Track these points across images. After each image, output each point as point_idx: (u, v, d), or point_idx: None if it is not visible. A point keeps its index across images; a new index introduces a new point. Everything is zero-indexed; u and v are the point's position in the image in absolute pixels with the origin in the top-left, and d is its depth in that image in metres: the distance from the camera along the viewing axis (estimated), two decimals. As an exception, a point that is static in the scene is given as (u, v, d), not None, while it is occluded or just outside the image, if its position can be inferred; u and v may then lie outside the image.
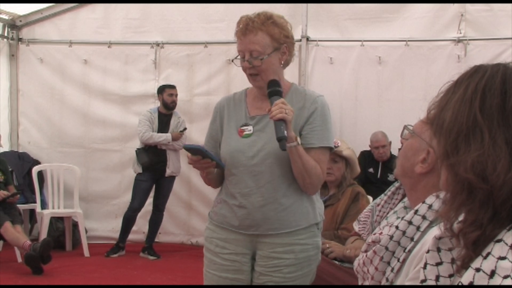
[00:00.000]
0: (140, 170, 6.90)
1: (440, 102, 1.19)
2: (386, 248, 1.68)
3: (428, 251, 1.26)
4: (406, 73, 7.03)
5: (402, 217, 1.69)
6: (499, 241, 1.05)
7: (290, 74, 6.56)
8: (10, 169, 7.03)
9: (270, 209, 2.54)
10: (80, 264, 6.53)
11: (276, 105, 2.40)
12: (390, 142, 6.73)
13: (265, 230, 2.56)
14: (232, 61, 2.66)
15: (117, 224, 7.26)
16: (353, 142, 5.78)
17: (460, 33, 6.84)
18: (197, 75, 7.59)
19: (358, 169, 3.94)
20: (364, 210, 3.00)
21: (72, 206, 7.23)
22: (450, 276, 1.22)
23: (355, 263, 1.81)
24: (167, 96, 6.95)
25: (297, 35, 6.73)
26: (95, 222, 7.68)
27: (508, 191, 1.05)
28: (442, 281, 1.23)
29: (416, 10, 7.01)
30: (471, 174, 1.07)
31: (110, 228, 7.62)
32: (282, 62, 2.62)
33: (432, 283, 1.24)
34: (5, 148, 7.61)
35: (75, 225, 7.23)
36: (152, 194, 7.14)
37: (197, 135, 7.09)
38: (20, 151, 7.85)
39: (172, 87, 7.03)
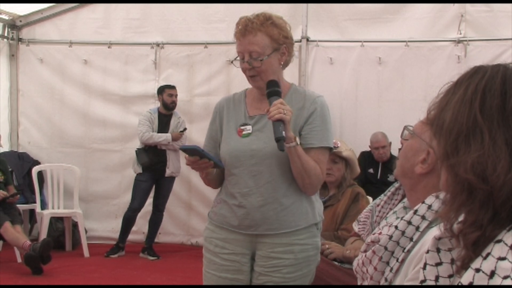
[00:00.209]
0: (140, 170, 6.91)
1: (440, 102, 1.19)
2: (385, 248, 1.68)
3: (427, 252, 1.26)
4: (406, 73, 7.03)
5: (402, 217, 1.69)
6: (499, 241, 1.05)
7: (290, 75, 6.56)
8: (10, 169, 7.03)
9: (269, 209, 2.54)
10: (80, 264, 6.53)
11: (274, 106, 2.40)
12: (390, 143, 6.73)
13: (265, 230, 2.56)
14: (232, 62, 2.66)
15: (117, 224, 7.26)
16: (353, 143, 5.79)
17: (460, 33, 6.85)
18: (197, 75, 7.59)
19: (358, 169, 3.94)
20: (364, 211, 3.00)
21: (72, 206, 7.24)
22: (450, 276, 1.22)
23: (354, 263, 1.81)
24: (167, 97, 6.95)
25: (297, 35, 6.75)
26: (95, 222, 7.69)
27: (508, 192, 1.05)
28: (442, 282, 1.23)
29: (416, 11, 7.01)
30: (471, 175, 1.07)
31: (110, 228, 7.62)
32: (282, 62, 2.62)
33: (432, 283, 1.24)
34: (5, 148, 7.61)
35: (75, 225, 7.24)
36: (152, 194, 7.14)
37: (197, 135, 7.09)
38: (20, 151, 7.85)
39: (172, 87, 7.03)
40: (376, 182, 6.66)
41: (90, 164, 7.74)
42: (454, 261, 1.19)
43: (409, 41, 6.95)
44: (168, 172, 6.94)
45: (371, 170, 6.84)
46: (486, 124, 1.08)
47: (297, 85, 2.77)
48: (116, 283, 5.80)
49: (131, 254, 7.03)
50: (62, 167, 7.38)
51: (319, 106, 2.59)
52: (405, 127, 1.80)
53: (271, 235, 2.56)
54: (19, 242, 6.05)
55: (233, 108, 2.69)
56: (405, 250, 1.64)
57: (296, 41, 6.52)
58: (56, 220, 7.26)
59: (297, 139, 2.47)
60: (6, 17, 7.80)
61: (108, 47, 7.69)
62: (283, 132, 2.36)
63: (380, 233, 1.72)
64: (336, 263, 3.28)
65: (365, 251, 1.75)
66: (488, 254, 1.04)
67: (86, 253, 6.92)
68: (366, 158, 6.84)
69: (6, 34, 7.86)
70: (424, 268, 1.26)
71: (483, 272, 1.03)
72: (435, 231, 1.35)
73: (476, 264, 1.06)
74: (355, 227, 3.01)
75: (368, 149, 6.87)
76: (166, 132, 6.92)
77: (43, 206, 7.19)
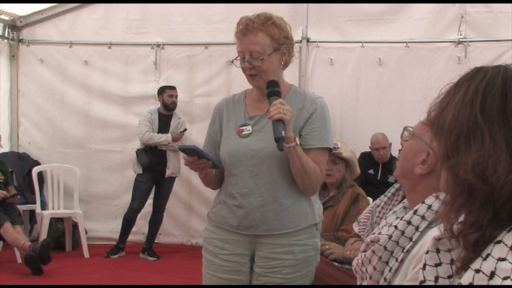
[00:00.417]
0: (140, 171, 6.91)
1: (441, 103, 1.19)
2: (385, 248, 1.68)
3: (427, 252, 1.26)
4: (406, 74, 7.04)
5: (401, 217, 1.69)
6: (499, 242, 1.05)
7: (290, 75, 6.55)
8: (10, 170, 7.03)
9: (269, 209, 2.54)
10: (80, 265, 6.53)
11: (274, 106, 2.40)
12: (390, 144, 6.73)
13: (264, 231, 2.56)
14: (232, 62, 2.66)
15: (117, 225, 7.26)
16: (353, 144, 5.79)
17: (461, 34, 6.85)
18: (197, 76, 7.60)
19: (358, 170, 3.94)
20: (364, 212, 3.00)
21: (72, 207, 7.24)
22: (449, 277, 1.22)
23: (354, 263, 1.82)
24: (167, 97, 6.95)
25: (297, 36, 6.75)
26: (95, 223, 7.69)
27: (508, 193, 1.05)
28: (441, 282, 1.23)
29: (416, 12, 7.01)
30: (471, 176, 1.07)
31: (110, 229, 7.62)
32: (282, 63, 2.62)
33: (431, 284, 1.24)
34: (5, 148, 7.61)
35: (75, 226, 7.24)
36: (152, 195, 7.14)
37: (197, 136, 7.09)
38: (20, 151, 7.85)
39: (172, 88, 7.04)
40: (376, 183, 6.66)
41: (90, 165, 7.74)
42: (454, 262, 1.19)
43: (409, 42, 6.96)
44: (168, 172, 6.94)
45: (371, 171, 6.84)
46: (486, 125, 1.08)
47: (297, 86, 2.77)
48: (116, 284, 5.80)
49: (131, 254, 7.03)
50: (62, 168, 7.38)
51: (319, 107, 2.59)
52: (405, 128, 1.80)
53: (270, 236, 2.56)
54: (19, 242, 6.05)
55: (232, 109, 2.69)
56: (405, 250, 1.64)
57: (296, 42, 6.52)
58: (56, 221, 7.26)
59: (297, 139, 2.47)
60: (6, 18, 7.80)
61: (109, 48, 7.70)
62: (283, 132, 2.36)
63: (379, 233, 1.72)
64: (336, 263, 3.28)
65: (365, 250, 1.76)
66: (488, 255, 1.04)
67: (86, 253, 6.92)
68: (366, 159, 6.85)
69: (6, 35, 7.86)
70: (423, 268, 1.26)
71: (483, 273, 1.03)
72: (435, 232, 1.35)
73: (476, 265, 1.06)
74: (355, 228, 3.01)
75: (368, 150, 6.87)
76: (166, 132, 6.92)
77: (43, 206, 7.19)
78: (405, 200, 1.85)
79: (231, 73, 7.32)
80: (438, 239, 1.24)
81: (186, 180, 7.37)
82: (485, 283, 1.02)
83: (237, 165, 2.58)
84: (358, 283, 1.82)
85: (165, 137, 6.84)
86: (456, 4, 6.82)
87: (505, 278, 1.00)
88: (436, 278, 1.24)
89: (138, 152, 6.91)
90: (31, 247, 5.88)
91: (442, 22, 6.94)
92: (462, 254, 1.12)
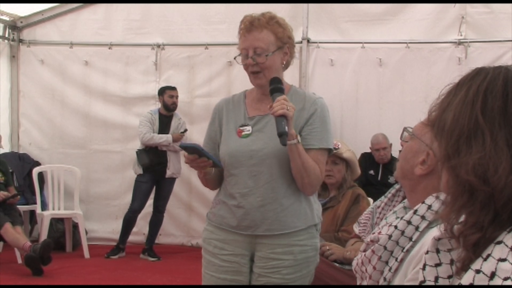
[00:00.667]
0: (140, 171, 6.91)
1: (441, 104, 1.19)
2: (385, 248, 1.68)
3: (427, 252, 1.26)
4: (407, 75, 7.04)
5: (401, 217, 1.69)
6: (499, 243, 1.05)
7: (290, 76, 6.55)
8: (10, 170, 7.03)
9: (269, 209, 2.54)
10: (80, 266, 6.53)
11: (278, 101, 2.41)
12: (391, 144, 6.73)
13: (264, 231, 2.55)
14: (235, 58, 2.65)
15: (117, 225, 7.26)
16: (354, 144, 5.79)
17: (461, 35, 6.85)
18: (197, 76, 7.60)
19: (358, 171, 3.94)
20: (365, 212, 3.00)
21: (72, 207, 7.24)
22: (449, 277, 1.22)
23: (354, 262, 1.82)
24: (167, 98, 6.95)
25: (298, 37, 6.76)
26: (95, 224, 7.69)
27: (509, 194, 1.05)
28: (441, 282, 1.23)
29: (416, 12, 7.02)
30: (472, 176, 1.07)
31: (110, 229, 7.62)
32: (284, 62, 2.63)
33: (431, 284, 1.24)
34: (6, 149, 7.62)
35: (75, 227, 7.24)
36: (152, 195, 7.14)
37: (198, 136, 7.09)
38: (21, 152, 7.85)
39: (173, 88, 7.04)
40: (377, 184, 6.66)
41: (90, 165, 7.74)
42: (454, 262, 1.19)
43: (409, 43, 6.96)
44: (168, 173, 6.94)
45: (371, 172, 6.84)
46: (487, 126, 1.08)
47: (296, 87, 2.78)
48: (117, 284, 5.80)
49: (131, 255, 7.03)
50: (62, 168, 7.38)
51: (319, 107, 2.59)
52: (405, 129, 1.80)
53: (270, 236, 2.56)
54: (19, 243, 6.05)
55: (232, 109, 2.69)
56: (404, 250, 1.64)
57: (297, 43, 6.50)
58: (56, 221, 7.26)
59: (299, 137, 2.48)
60: (7, 18, 7.81)
61: (109, 48, 7.70)
62: (286, 128, 2.37)
63: (379, 233, 1.72)
64: (336, 264, 3.28)
65: (365, 250, 1.76)
66: (489, 255, 1.04)
67: (86, 254, 6.92)
68: (367, 159, 6.84)
69: (7, 35, 7.87)
70: (423, 268, 1.26)
71: (483, 273, 1.03)
72: (435, 232, 1.35)
73: (476, 265, 1.06)
74: (356, 229, 3.01)
75: (369, 150, 6.87)
76: (167, 133, 6.92)
77: (44, 207, 7.19)
78: (406, 200, 1.85)
79: (231, 73, 7.33)
80: (438, 239, 1.24)
81: (186, 180, 7.37)
82: (485, 283, 1.02)
83: (237, 165, 2.58)
84: (358, 283, 1.82)
85: (166, 138, 6.84)
86: (457, 5, 6.82)
87: (505, 279, 1.00)
88: (436, 278, 1.24)
89: (139, 152, 6.91)
90: (32, 248, 5.88)
91: (443, 23, 6.94)
92: (463, 255, 1.12)
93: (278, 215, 2.54)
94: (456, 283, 1.10)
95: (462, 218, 1.12)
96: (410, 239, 1.64)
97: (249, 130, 2.60)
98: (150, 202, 7.16)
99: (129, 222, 7.02)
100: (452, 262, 1.21)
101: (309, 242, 2.60)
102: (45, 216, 6.86)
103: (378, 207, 2.54)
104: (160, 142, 6.83)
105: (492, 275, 1.02)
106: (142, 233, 7.36)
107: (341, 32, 7.23)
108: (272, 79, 2.54)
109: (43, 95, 7.87)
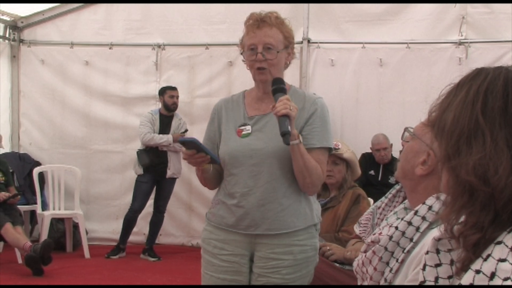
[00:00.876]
0: (141, 172, 6.91)
1: (442, 104, 1.19)
2: (385, 249, 1.68)
3: (427, 253, 1.27)
4: (407, 75, 7.04)
5: (402, 218, 1.69)
6: (499, 243, 1.05)
7: (291, 76, 6.56)
8: (11, 170, 7.03)
9: (269, 209, 2.54)
10: (80, 266, 6.54)
11: (280, 101, 2.41)
12: (391, 145, 6.73)
13: (264, 230, 2.56)
14: (241, 53, 2.65)
15: (118, 225, 7.26)
16: (354, 144, 5.78)
17: (461, 35, 6.85)
18: (198, 76, 7.60)
19: (359, 171, 3.94)
20: (365, 213, 3.00)
21: (73, 207, 7.24)
22: (449, 277, 1.22)
23: (354, 263, 1.82)
24: (168, 98, 6.95)
25: (298, 37, 6.76)
26: (96, 224, 7.69)
27: (509, 194, 1.05)
28: (441, 283, 1.23)
29: (417, 13, 7.02)
30: (472, 177, 1.07)
31: (111, 229, 7.62)
32: (287, 62, 2.65)
33: (431, 284, 1.24)
34: (6, 149, 7.62)
35: (75, 227, 7.24)
36: (153, 195, 7.14)
37: (198, 136, 6.92)
38: (21, 152, 7.85)
39: (173, 88, 7.04)
40: (377, 184, 6.66)
41: (91, 165, 7.74)
42: (454, 263, 1.19)
43: (410, 43, 6.96)
44: (169, 173, 6.94)
45: (372, 172, 6.84)
46: (487, 126, 1.08)
47: (296, 87, 2.78)
48: (117, 284, 5.80)
49: (131, 255, 7.03)
50: (63, 168, 7.38)
51: (319, 107, 2.60)
52: (406, 129, 1.80)
53: (270, 236, 2.56)
54: (19, 243, 6.05)
55: (231, 109, 2.69)
56: (405, 251, 1.64)
57: (297, 43, 6.54)
58: (57, 221, 7.26)
59: (300, 137, 2.48)
60: (7, 18, 7.81)
61: (109, 48, 7.70)
62: (289, 127, 2.37)
63: (380, 234, 1.72)
64: (337, 264, 3.28)
65: (365, 251, 1.76)
66: (489, 255, 1.04)
67: (86, 254, 6.92)
68: (367, 159, 6.84)
69: (7, 35, 7.87)
70: (423, 269, 1.26)
71: (483, 273, 1.03)
72: (435, 232, 1.35)
73: (476, 265, 1.06)
74: (356, 229, 3.01)
75: (369, 150, 6.87)
76: (167, 133, 6.92)
77: (44, 207, 7.19)
78: (406, 201, 1.85)
79: (232, 73, 7.33)
80: (438, 240, 1.24)
81: (186, 180, 7.37)
82: (485, 283, 1.02)
83: (237, 165, 2.58)
84: (359, 284, 1.82)
85: (166, 138, 6.84)
86: (457, 5, 6.82)
87: (505, 279, 1.00)
88: (436, 279, 1.24)
89: (139, 152, 6.91)
90: (32, 248, 5.88)
91: (443, 23, 6.93)
92: (463, 255, 1.12)
93: (278, 215, 2.55)
94: (456, 284, 1.10)
95: (462, 219, 1.12)
96: (411, 240, 1.64)
97: (248, 130, 2.60)
98: (150, 202, 7.16)
99: (129, 222, 7.02)
100: (452, 262, 1.21)
101: (308, 242, 2.60)
102: (46, 216, 6.86)
103: (379, 207, 2.54)
104: (160, 143, 6.82)
105: (492, 275, 1.02)
106: (143, 233, 7.36)
107: (341, 32, 7.23)
108: (274, 79, 2.54)
109: (43, 95, 7.87)
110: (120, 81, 7.73)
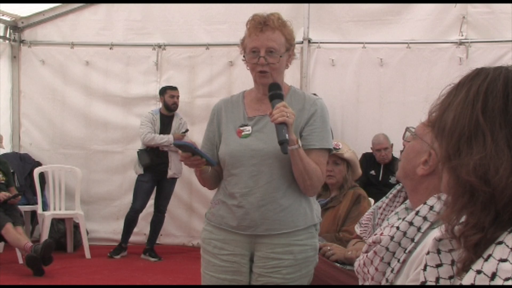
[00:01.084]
0: (141, 171, 6.91)
1: (442, 104, 1.19)
2: (387, 249, 1.68)
3: (428, 253, 1.26)
4: (408, 75, 7.04)
5: (403, 218, 1.69)
6: (500, 243, 1.05)
7: (291, 76, 6.56)
8: (11, 171, 7.03)
9: (269, 209, 2.54)
10: (81, 266, 6.54)
11: (277, 109, 2.41)
12: (392, 145, 6.72)
13: (264, 230, 2.56)
14: (243, 56, 2.64)
15: (118, 225, 7.26)
16: (355, 144, 5.79)
17: (462, 35, 6.85)
18: (198, 76, 7.60)
19: (359, 171, 3.94)
20: (366, 213, 2.99)
21: (74, 207, 7.24)
22: (450, 278, 1.22)
23: (356, 263, 1.82)
24: (168, 98, 6.95)
25: (299, 37, 6.76)
26: (96, 224, 7.69)
27: (510, 194, 1.05)
28: (442, 283, 1.23)
29: (417, 13, 7.02)
30: (473, 177, 1.07)
31: (111, 229, 7.62)
32: (288, 64, 2.65)
33: (432, 284, 1.24)
34: (7, 149, 7.63)
35: (76, 227, 7.23)
36: (153, 195, 7.14)
37: (199, 136, 6.99)
38: (22, 152, 7.85)
39: (174, 88, 7.04)
40: (378, 184, 6.66)
41: (91, 166, 7.74)
42: (455, 263, 1.19)
43: (410, 43, 6.96)
44: (170, 173, 6.94)
45: (372, 172, 6.83)
46: (488, 126, 1.08)
47: (296, 87, 2.78)
48: (117, 284, 5.80)
49: (132, 255, 7.04)
50: (63, 169, 7.38)
51: (319, 107, 2.60)
52: (407, 129, 1.80)
53: (270, 236, 2.56)
54: (20, 243, 6.06)
55: (231, 110, 2.69)
56: (407, 251, 1.64)
57: (298, 43, 6.54)
58: (57, 222, 7.26)
59: (299, 141, 2.48)
60: (8, 19, 7.81)
61: (110, 49, 7.70)
62: (287, 135, 2.37)
63: (381, 234, 1.72)
64: (337, 264, 3.28)
65: (367, 251, 1.76)
66: (490, 255, 1.04)
67: (87, 254, 6.92)
68: (368, 159, 6.84)
69: (8, 36, 7.87)
70: (424, 269, 1.26)
71: (484, 273, 1.03)
72: (436, 233, 1.35)
73: (477, 265, 1.06)
74: (357, 229, 3.00)
75: (370, 150, 6.86)
76: (168, 133, 6.92)
77: (45, 207, 7.20)
78: (407, 201, 1.85)
79: (232, 73, 7.33)
80: (439, 240, 1.24)
81: (187, 181, 7.37)
82: (486, 284, 1.02)
83: (237, 165, 2.58)
84: (360, 284, 1.82)
85: (167, 138, 6.84)
86: (458, 5, 6.82)
87: (506, 279, 1.00)
88: (437, 279, 1.24)
89: (140, 152, 6.92)
90: (33, 248, 5.88)
91: (444, 23, 6.93)
92: (463, 255, 1.11)
93: (278, 215, 2.55)
94: (457, 284, 1.10)
95: (463, 219, 1.12)
96: (412, 240, 1.64)
97: (249, 130, 2.60)
98: (151, 202, 7.16)
99: (130, 222, 7.02)
100: (453, 262, 1.21)
101: (308, 242, 2.61)
102: (46, 217, 6.87)
103: (380, 208, 2.54)
104: (161, 143, 6.83)
105: (493, 275, 1.02)
106: (143, 234, 7.36)
107: (342, 32, 7.23)
108: (271, 85, 2.54)
109: (44, 96, 7.87)
110: (121, 81, 7.73)
